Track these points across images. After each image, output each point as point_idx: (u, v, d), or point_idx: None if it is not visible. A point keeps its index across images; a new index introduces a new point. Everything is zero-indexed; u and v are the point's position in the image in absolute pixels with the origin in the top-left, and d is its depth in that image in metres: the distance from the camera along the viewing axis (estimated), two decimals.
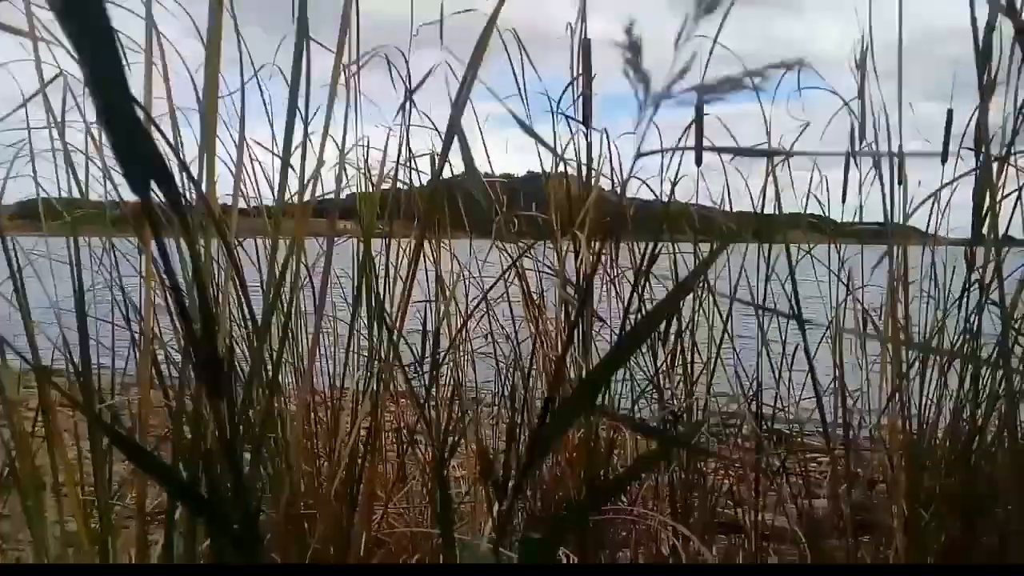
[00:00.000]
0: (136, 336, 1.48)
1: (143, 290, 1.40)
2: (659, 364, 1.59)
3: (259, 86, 1.41)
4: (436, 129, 1.41)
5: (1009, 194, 1.39)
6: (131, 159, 0.31)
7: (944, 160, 1.30)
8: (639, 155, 0.36)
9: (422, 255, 1.31)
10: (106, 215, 1.28)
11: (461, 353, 1.52)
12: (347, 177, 1.37)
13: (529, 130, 0.51)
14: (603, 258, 1.49)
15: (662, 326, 1.50)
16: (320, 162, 0.80)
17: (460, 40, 1.26)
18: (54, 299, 1.30)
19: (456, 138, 0.46)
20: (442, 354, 1.43)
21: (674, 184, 1.24)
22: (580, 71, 1.10)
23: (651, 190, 1.44)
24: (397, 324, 1.21)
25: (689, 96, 0.33)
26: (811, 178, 1.71)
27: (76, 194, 1.20)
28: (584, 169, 1.34)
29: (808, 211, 1.75)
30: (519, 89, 1.35)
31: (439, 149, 1.51)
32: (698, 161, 1.01)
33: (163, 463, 0.39)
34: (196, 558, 0.81)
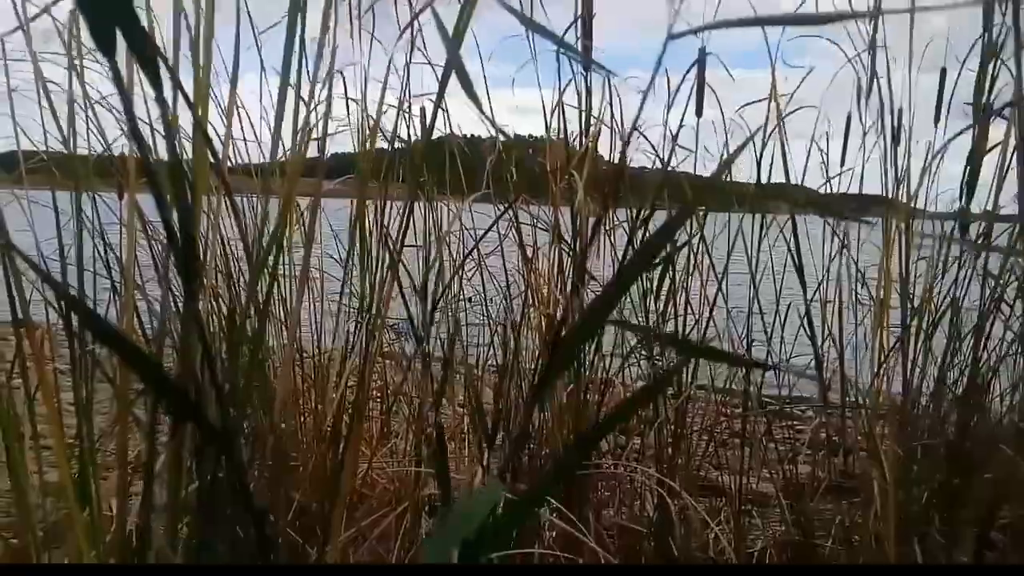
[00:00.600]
0: (118, 285, 1.45)
1: (123, 237, 1.38)
2: (651, 321, 1.58)
3: (237, 33, 1.37)
4: (433, 66, 1.37)
5: (992, 147, 1.37)
6: (96, 8, 0.28)
7: (936, 121, 1.29)
8: (671, 37, 0.34)
9: (415, 212, 1.29)
10: (89, 163, 1.25)
11: (453, 306, 1.51)
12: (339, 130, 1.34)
13: (471, 92, 0.48)
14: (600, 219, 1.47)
15: (655, 283, 1.49)
16: (327, 117, 0.77)
17: None
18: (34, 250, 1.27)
19: (456, 73, 0.44)
20: (435, 305, 1.41)
21: (675, 139, 1.22)
22: (582, 12, 1.07)
23: (651, 145, 1.42)
24: (387, 281, 1.19)
25: None
26: (809, 148, 1.70)
27: (57, 140, 1.16)
28: (584, 114, 1.31)
29: (804, 184, 1.74)
30: (529, 42, 1.31)
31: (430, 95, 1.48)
32: (699, 111, 0.99)
33: (148, 356, 0.37)
34: (178, 506, 0.80)
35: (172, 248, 0.45)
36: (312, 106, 0.82)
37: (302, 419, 1.57)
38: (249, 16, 1.28)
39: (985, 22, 1.12)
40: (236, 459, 0.49)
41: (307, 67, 0.74)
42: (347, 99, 1.47)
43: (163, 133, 0.53)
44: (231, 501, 0.64)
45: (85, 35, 1.19)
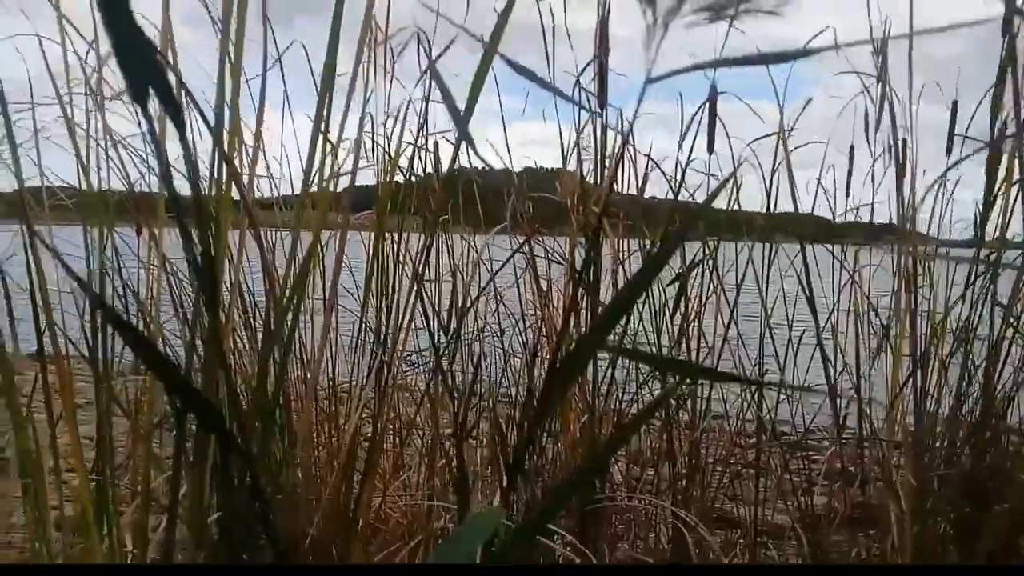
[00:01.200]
0: (135, 321, 1.47)
1: (140, 273, 1.39)
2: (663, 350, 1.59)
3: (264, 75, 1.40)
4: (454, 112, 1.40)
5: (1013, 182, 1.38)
6: (131, 63, 0.31)
7: (949, 151, 1.30)
8: (649, 80, 0.35)
9: (434, 245, 1.31)
10: (107, 201, 1.27)
11: (471, 335, 1.52)
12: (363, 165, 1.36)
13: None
14: (611, 250, 1.48)
15: (668, 310, 1.50)
16: (356, 154, 0.79)
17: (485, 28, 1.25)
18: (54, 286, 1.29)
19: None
20: (452, 336, 1.42)
21: (684, 171, 1.24)
22: (597, 51, 1.09)
23: (664, 176, 1.44)
24: (404, 316, 1.21)
25: (698, 18, 0.32)
26: (819, 179, 1.71)
27: (80, 180, 1.18)
28: (599, 151, 1.33)
29: (812, 212, 1.76)
30: (549, 72, 1.34)
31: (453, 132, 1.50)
32: (710, 148, 1.00)
33: (175, 365, 0.38)
34: (197, 541, 0.80)
35: (197, 278, 0.47)
36: (340, 144, 0.84)
37: (316, 452, 1.57)
38: (276, 51, 1.31)
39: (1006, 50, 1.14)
40: (255, 471, 0.49)
41: (332, 105, 0.75)
42: (372, 136, 1.50)
43: (186, 174, 0.55)
44: (248, 517, 0.65)
45: (109, 79, 1.22)
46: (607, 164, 1.34)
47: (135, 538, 1.10)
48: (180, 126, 0.39)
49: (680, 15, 0.33)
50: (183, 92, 0.71)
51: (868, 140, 1.45)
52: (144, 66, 0.32)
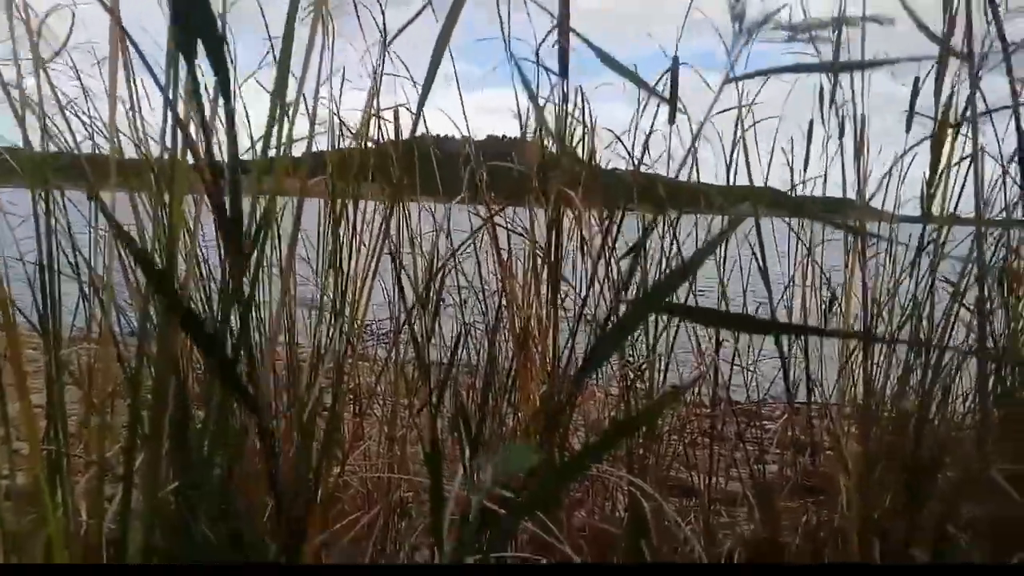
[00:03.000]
0: (85, 288, 1.43)
1: (92, 237, 1.36)
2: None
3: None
4: (412, 80, 1.38)
5: (962, 160, 1.41)
6: (185, 17, 0.31)
7: (908, 129, 1.33)
8: (727, 81, 0.40)
9: (392, 213, 1.30)
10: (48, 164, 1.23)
11: (429, 309, 1.51)
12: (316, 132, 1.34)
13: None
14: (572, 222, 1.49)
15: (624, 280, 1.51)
16: (312, 119, 0.77)
17: None
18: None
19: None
20: (410, 309, 1.42)
21: (646, 143, 1.25)
22: (559, 20, 1.08)
23: (625, 147, 1.44)
24: (365, 283, 1.20)
25: (777, 34, 0.35)
26: (772, 151, 1.74)
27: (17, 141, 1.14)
28: (560, 121, 1.33)
29: (768, 185, 1.78)
30: (503, 35, 1.33)
31: (408, 102, 1.49)
32: (671, 119, 1.01)
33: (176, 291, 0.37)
34: (152, 511, 0.79)
35: (223, 233, 0.48)
36: (298, 110, 0.82)
37: (275, 421, 1.55)
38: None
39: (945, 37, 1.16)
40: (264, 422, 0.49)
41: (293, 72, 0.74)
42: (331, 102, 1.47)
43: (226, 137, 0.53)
44: (205, 486, 0.64)
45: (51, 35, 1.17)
46: (568, 137, 1.35)
47: (89, 508, 1.08)
48: (225, 85, 0.38)
49: (762, 30, 0.37)
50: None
51: (823, 115, 1.47)
52: (200, 22, 0.32)
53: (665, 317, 1.71)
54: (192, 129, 0.63)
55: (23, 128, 0.92)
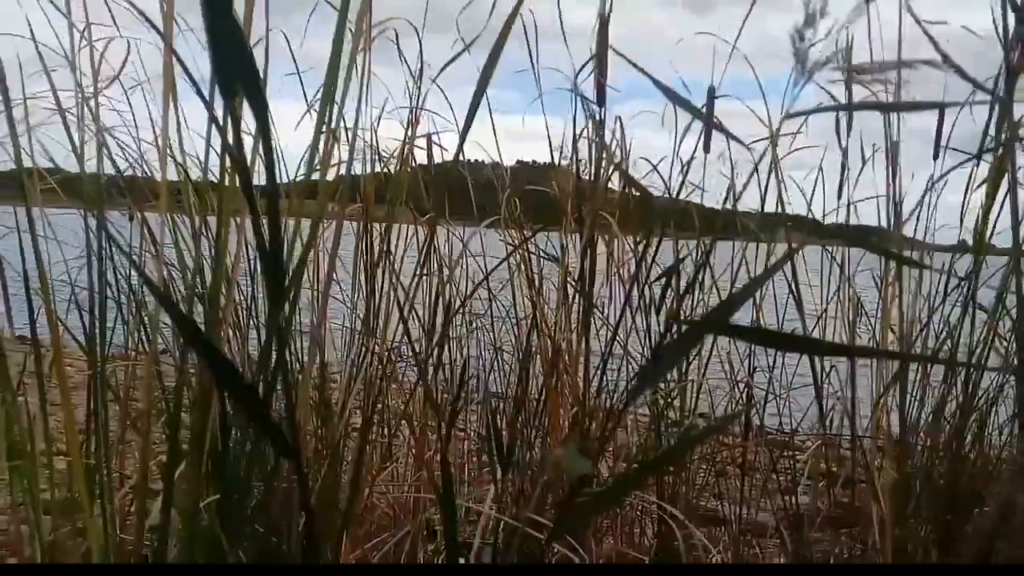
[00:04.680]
0: (123, 307, 1.46)
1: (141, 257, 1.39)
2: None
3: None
4: (452, 110, 1.41)
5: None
6: (225, 58, 0.33)
7: (936, 157, 1.32)
8: (787, 116, 0.44)
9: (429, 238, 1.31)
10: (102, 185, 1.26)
11: (461, 331, 1.53)
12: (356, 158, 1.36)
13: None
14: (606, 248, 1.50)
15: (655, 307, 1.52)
16: (352, 145, 0.79)
17: (469, 19, 1.26)
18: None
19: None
20: (440, 332, 1.43)
21: (685, 170, 1.26)
22: (597, 51, 1.10)
23: (661, 177, 1.45)
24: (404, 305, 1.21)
25: (834, 75, 0.38)
26: (815, 180, 1.73)
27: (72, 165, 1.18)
28: (595, 152, 1.35)
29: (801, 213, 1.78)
30: (534, 74, 1.35)
31: (441, 130, 1.51)
32: (706, 148, 1.02)
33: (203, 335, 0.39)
34: (190, 527, 0.80)
35: (262, 263, 0.49)
36: (340, 136, 0.84)
37: (308, 442, 1.57)
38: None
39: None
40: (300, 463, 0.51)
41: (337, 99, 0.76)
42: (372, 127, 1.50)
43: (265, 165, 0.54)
44: (243, 501, 0.66)
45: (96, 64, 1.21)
46: (603, 164, 1.36)
47: (124, 523, 1.10)
48: (263, 123, 0.40)
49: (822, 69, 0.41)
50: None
51: (861, 143, 1.47)
52: (237, 62, 0.33)
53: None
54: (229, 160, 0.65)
55: (80, 152, 0.95)
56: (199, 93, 0.68)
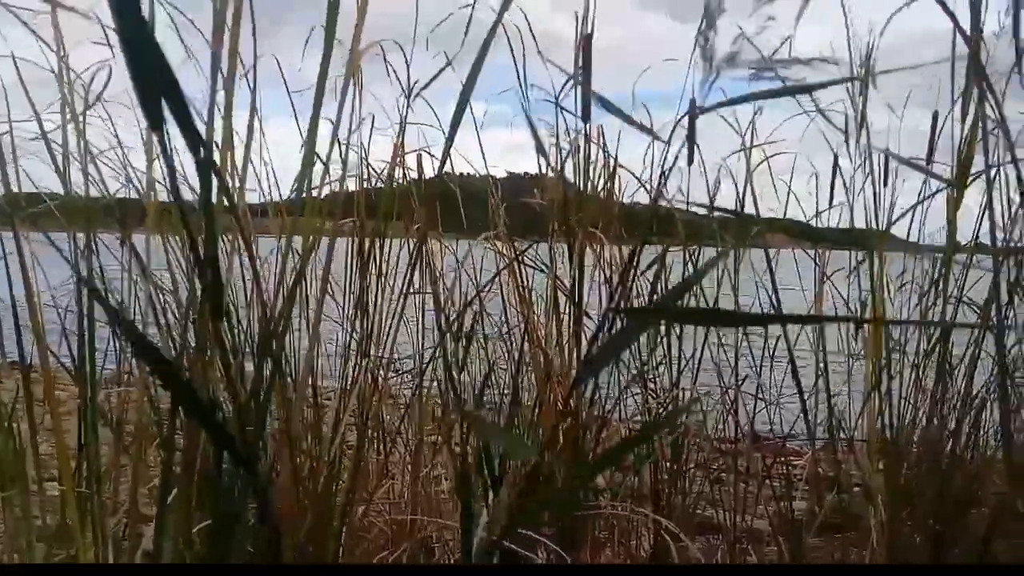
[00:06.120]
0: (118, 330, 1.46)
1: (125, 281, 1.38)
2: (645, 357, 1.61)
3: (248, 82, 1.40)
4: (440, 127, 1.42)
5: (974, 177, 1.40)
6: (146, 83, 0.33)
7: (928, 162, 1.33)
8: (697, 112, 0.43)
9: (420, 253, 1.32)
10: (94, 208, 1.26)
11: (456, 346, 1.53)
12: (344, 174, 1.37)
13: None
14: (595, 258, 1.50)
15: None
16: (345, 162, 0.80)
17: (456, 34, 1.27)
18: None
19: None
20: (434, 347, 1.43)
21: (664, 178, 1.26)
22: (580, 65, 1.11)
23: (643, 187, 1.46)
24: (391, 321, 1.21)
25: (739, 72, 0.38)
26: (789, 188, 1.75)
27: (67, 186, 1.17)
28: (583, 159, 1.36)
29: (789, 216, 1.79)
30: (521, 86, 1.36)
31: (431, 144, 1.52)
32: (690, 160, 1.03)
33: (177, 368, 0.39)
34: (185, 550, 0.80)
35: (202, 283, 0.49)
36: (332, 151, 0.85)
37: (299, 460, 1.56)
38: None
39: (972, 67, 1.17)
40: (256, 473, 0.50)
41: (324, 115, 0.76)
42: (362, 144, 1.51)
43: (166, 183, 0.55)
44: (237, 526, 0.65)
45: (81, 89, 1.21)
46: (590, 174, 1.37)
47: (117, 549, 1.09)
48: (196, 151, 0.40)
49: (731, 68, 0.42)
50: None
51: (848, 148, 1.48)
52: (163, 92, 0.33)
53: (688, 352, 1.71)
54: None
55: (66, 175, 0.95)
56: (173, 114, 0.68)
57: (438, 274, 1.62)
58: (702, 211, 1.67)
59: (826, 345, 1.69)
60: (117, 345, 1.47)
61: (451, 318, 1.51)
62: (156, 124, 0.37)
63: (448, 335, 1.43)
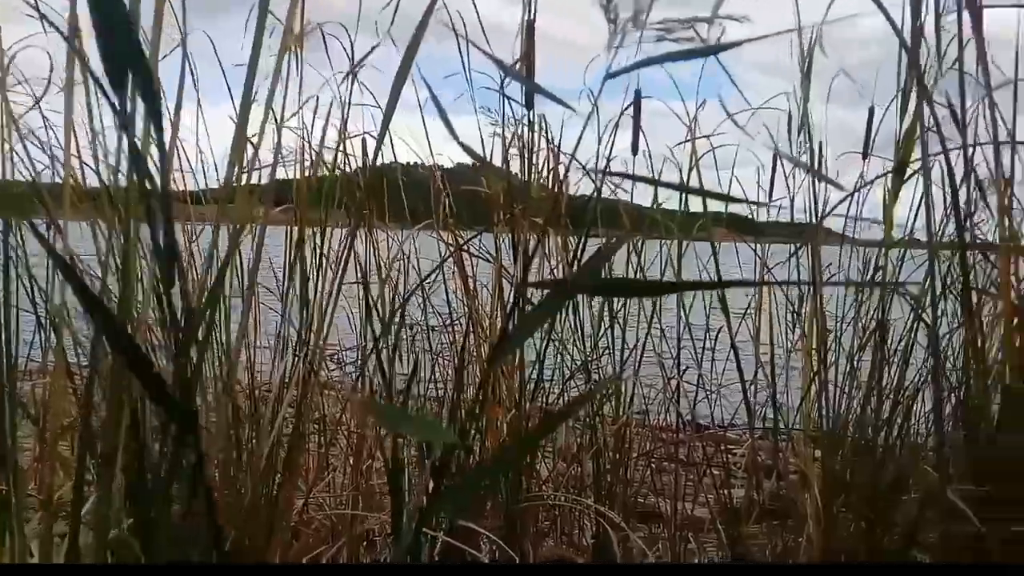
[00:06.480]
0: (43, 319, 1.40)
1: (51, 266, 1.33)
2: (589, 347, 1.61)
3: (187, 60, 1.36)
4: (379, 106, 1.39)
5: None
6: (113, 49, 0.32)
7: (865, 157, 1.36)
8: (608, 76, 0.42)
9: (356, 242, 1.29)
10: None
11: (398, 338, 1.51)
12: (283, 159, 1.33)
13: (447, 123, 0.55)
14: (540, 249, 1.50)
15: (594, 312, 1.52)
16: (278, 146, 0.77)
17: (409, 20, 1.24)
18: None
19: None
20: (376, 340, 1.41)
21: (607, 167, 1.26)
22: (524, 52, 1.10)
23: (588, 176, 1.46)
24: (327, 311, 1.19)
25: (649, 34, 0.38)
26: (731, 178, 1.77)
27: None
28: (527, 148, 1.35)
29: (729, 210, 1.81)
30: (465, 73, 1.34)
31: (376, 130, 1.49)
32: (634, 150, 1.02)
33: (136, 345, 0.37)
34: (104, 550, 0.77)
35: (158, 265, 0.48)
36: (263, 135, 0.82)
37: (235, 453, 1.52)
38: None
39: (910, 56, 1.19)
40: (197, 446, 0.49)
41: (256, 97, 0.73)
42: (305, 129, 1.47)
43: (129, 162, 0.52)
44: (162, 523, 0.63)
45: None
46: (535, 163, 1.36)
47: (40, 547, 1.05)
48: (156, 116, 0.39)
49: (637, 28, 0.41)
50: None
51: (790, 140, 1.50)
52: (126, 53, 0.32)
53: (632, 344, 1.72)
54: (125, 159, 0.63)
55: None
56: (102, 91, 0.65)
57: (383, 263, 1.60)
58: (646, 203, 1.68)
59: (772, 337, 1.72)
60: (43, 335, 1.42)
61: (393, 309, 1.48)
62: (118, 83, 0.35)
63: (390, 325, 1.41)
